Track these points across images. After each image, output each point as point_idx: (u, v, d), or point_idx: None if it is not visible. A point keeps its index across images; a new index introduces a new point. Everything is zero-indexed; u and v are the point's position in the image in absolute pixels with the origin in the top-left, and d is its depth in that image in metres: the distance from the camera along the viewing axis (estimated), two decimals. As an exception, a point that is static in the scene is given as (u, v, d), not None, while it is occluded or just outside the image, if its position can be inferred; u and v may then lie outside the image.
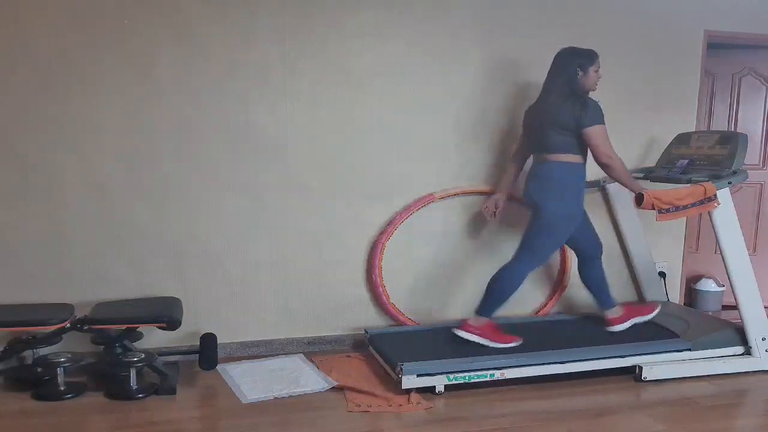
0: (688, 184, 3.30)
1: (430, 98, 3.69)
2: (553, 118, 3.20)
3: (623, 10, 3.94)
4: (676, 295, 4.30)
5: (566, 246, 3.91)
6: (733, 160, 3.33)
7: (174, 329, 3.06)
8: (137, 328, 3.24)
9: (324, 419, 2.78)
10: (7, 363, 3.16)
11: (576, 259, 3.86)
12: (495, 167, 3.85)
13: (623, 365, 3.25)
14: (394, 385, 3.06)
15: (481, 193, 3.83)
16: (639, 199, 3.16)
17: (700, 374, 3.31)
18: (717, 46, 4.27)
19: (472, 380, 3.06)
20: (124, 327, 3.12)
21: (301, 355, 3.58)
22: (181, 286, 3.47)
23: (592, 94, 3.27)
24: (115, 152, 3.31)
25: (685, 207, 3.18)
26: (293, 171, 3.55)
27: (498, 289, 3.30)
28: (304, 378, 3.21)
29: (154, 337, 3.42)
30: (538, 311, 4.03)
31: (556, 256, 4.00)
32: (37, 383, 3.04)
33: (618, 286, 4.16)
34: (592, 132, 3.13)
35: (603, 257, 3.55)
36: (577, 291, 4.04)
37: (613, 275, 4.12)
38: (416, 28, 3.62)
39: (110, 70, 3.25)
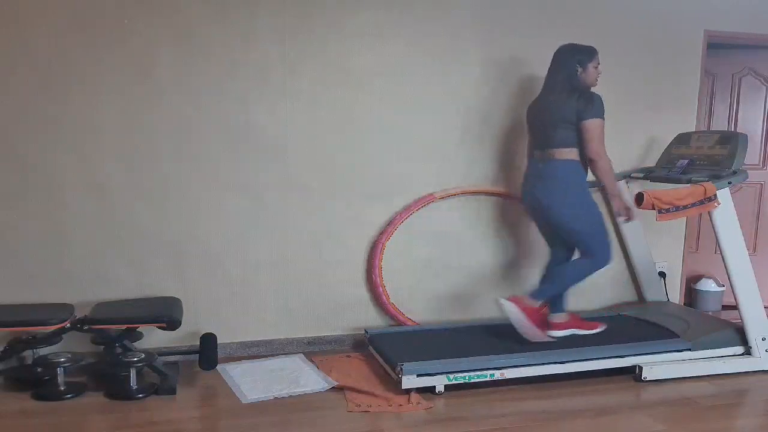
0: (688, 184, 3.30)
1: (430, 98, 3.69)
2: (557, 114, 3.20)
3: (623, 10, 3.94)
4: (676, 295, 4.30)
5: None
6: (733, 160, 3.33)
7: (174, 329, 3.06)
8: (137, 328, 3.24)
9: (324, 419, 2.78)
10: (7, 363, 3.16)
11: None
12: (495, 167, 3.85)
13: (623, 365, 3.25)
14: (394, 385, 3.06)
15: (481, 193, 3.83)
16: (639, 199, 3.16)
17: (700, 374, 3.31)
18: (717, 46, 4.27)
19: (472, 380, 3.06)
20: (124, 327, 3.12)
21: (301, 355, 3.58)
22: (181, 286, 3.47)
23: (598, 92, 3.27)
24: (115, 152, 3.31)
25: (685, 207, 3.18)
26: (293, 171, 3.55)
27: (559, 278, 3.35)
28: (304, 378, 3.21)
29: (154, 337, 3.42)
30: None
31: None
32: (37, 383, 3.04)
33: (618, 286, 4.16)
34: (591, 125, 3.13)
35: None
36: (577, 291, 4.03)
37: (614, 275, 4.13)
38: (416, 28, 3.62)
39: (110, 70, 3.25)
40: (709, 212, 3.28)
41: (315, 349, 3.68)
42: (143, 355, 3.08)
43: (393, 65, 3.61)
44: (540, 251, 3.93)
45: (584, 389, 3.14)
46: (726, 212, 3.29)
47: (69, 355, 3.07)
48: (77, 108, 3.24)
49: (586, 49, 3.26)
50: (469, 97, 3.75)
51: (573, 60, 3.23)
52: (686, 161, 3.59)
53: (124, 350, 3.15)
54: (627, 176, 3.93)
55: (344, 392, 3.06)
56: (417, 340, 3.42)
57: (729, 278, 3.36)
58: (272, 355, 3.59)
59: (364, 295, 3.75)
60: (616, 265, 4.11)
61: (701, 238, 4.69)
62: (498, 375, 3.08)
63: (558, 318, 3.49)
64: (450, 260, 3.85)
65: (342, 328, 3.74)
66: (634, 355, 3.26)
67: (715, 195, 3.22)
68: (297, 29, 3.46)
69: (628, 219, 3.30)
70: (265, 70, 3.44)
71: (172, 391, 3.02)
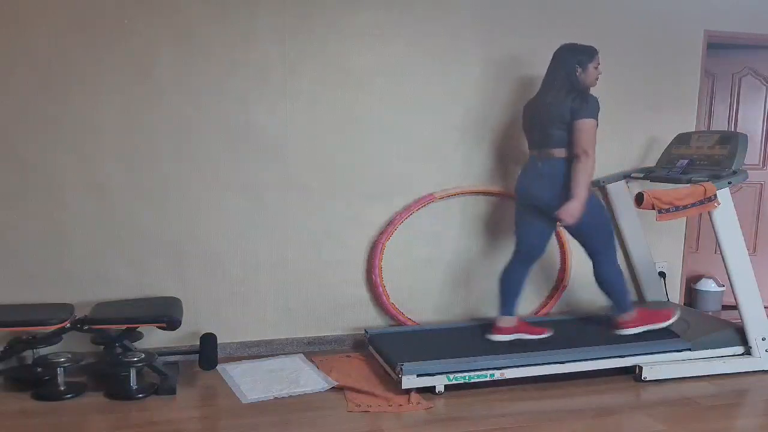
0: (688, 184, 3.30)
1: (430, 98, 3.69)
2: (554, 114, 3.19)
3: (623, 10, 3.94)
4: (676, 295, 4.30)
5: (567, 246, 3.92)
6: (733, 160, 3.33)
7: (174, 329, 3.06)
8: (137, 328, 3.24)
9: (324, 419, 2.78)
10: (7, 363, 3.16)
11: (576, 259, 3.87)
12: (495, 167, 3.85)
13: (623, 365, 3.25)
14: (394, 385, 3.06)
15: (481, 193, 3.83)
16: (639, 199, 3.16)
17: (700, 374, 3.31)
18: (717, 46, 4.27)
19: (472, 380, 3.06)
20: (124, 327, 3.12)
21: (301, 355, 3.58)
22: (181, 286, 3.47)
23: (592, 91, 3.27)
24: (115, 152, 3.32)
25: (685, 207, 3.18)
26: (293, 171, 3.55)
27: (611, 289, 3.40)
28: (304, 378, 3.21)
29: (154, 337, 3.42)
30: (538, 311, 4.03)
31: (555, 256, 3.99)
32: (37, 383, 3.04)
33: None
34: (583, 124, 3.12)
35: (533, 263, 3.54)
36: (577, 291, 4.04)
37: (613, 275, 4.13)
38: (416, 28, 3.62)
39: (110, 70, 3.25)
40: (709, 212, 3.28)
41: (315, 349, 3.68)
42: (143, 355, 3.08)
43: (393, 65, 3.61)
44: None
45: (584, 389, 3.14)
46: (726, 212, 3.29)
47: (69, 355, 3.07)
48: (77, 108, 3.24)
49: (587, 49, 3.24)
50: (469, 97, 3.75)
51: (573, 60, 3.22)
52: (686, 161, 3.59)
53: (124, 350, 3.15)
54: (627, 176, 3.93)
55: (344, 392, 3.06)
56: (417, 340, 3.42)
57: (729, 278, 3.36)
58: (272, 355, 3.59)
59: (364, 295, 3.75)
60: (616, 265, 4.11)
61: (701, 238, 4.69)
62: (498, 375, 3.08)
63: (505, 321, 3.44)
64: (450, 260, 3.85)
65: (342, 328, 3.74)
66: (634, 355, 3.26)
67: (715, 195, 3.22)
68: (297, 29, 3.46)
69: (568, 221, 3.17)
70: (265, 70, 3.44)
71: (172, 391, 3.02)
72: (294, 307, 3.65)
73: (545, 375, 3.16)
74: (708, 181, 3.26)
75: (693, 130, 4.12)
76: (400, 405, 2.91)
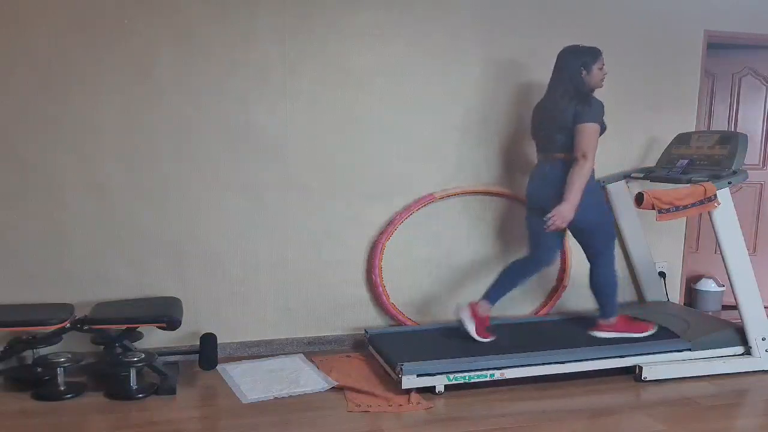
0: (688, 184, 3.30)
1: (430, 98, 3.69)
2: (558, 117, 3.19)
3: (623, 10, 3.94)
4: (676, 295, 4.30)
5: (566, 246, 3.92)
6: (733, 160, 3.33)
7: (174, 329, 3.06)
8: (137, 328, 3.24)
9: (324, 419, 2.78)
10: (7, 363, 3.16)
11: (576, 259, 3.87)
12: (495, 167, 3.85)
13: (623, 365, 3.25)
14: (394, 385, 3.06)
15: (481, 193, 3.83)
16: (639, 199, 3.16)
17: (700, 374, 3.31)
18: (717, 46, 4.27)
19: (472, 380, 3.06)
20: (124, 327, 3.12)
21: (301, 355, 3.58)
22: (181, 286, 3.47)
23: (597, 92, 3.27)
24: (115, 152, 3.31)
25: (685, 207, 3.18)
26: (293, 171, 3.55)
27: (602, 292, 3.41)
28: (304, 378, 3.21)
29: (154, 337, 3.42)
30: (538, 311, 4.03)
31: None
32: (37, 383, 3.04)
33: (618, 286, 4.15)
34: (584, 128, 3.11)
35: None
36: (577, 291, 4.04)
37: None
38: (416, 28, 3.62)
39: (110, 70, 3.25)
40: (709, 212, 3.28)
41: (315, 349, 3.68)
42: (143, 355, 3.08)
43: (393, 65, 3.61)
44: (540, 251, 3.93)
45: (584, 389, 3.14)
46: (726, 212, 3.29)
47: (69, 355, 3.07)
48: (77, 108, 3.24)
49: (590, 50, 3.23)
50: (469, 97, 3.75)
51: (577, 63, 3.20)
52: (686, 161, 3.59)
53: (124, 350, 3.15)
54: (627, 176, 3.93)
55: (344, 392, 3.06)
56: (417, 340, 3.42)
57: (729, 278, 3.36)
58: (272, 355, 3.59)
59: (364, 295, 3.75)
60: (615, 265, 4.10)
61: (701, 238, 4.69)
62: (498, 375, 3.08)
63: (482, 307, 3.43)
64: (450, 260, 3.85)
65: (342, 328, 3.74)
66: (634, 355, 3.26)
67: (715, 195, 3.22)
68: (297, 29, 3.46)
69: (551, 228, 3.17)
70: (265, 70, 3.44)
71: (172, 391, 3.02)
72: (294, 307, 3.65)
73: (545, 375, 3.16)
74: (708, 181, 3.26)
75: (693, 130, 4.12)
76: (400, 405, 2.91)
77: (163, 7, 3.27)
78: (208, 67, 3.36)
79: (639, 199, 3.16)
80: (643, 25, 3.98)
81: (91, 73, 3.23)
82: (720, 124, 4.63)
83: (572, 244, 3.90)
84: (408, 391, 3.01)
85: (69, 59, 3.20)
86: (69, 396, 2.96)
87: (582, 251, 3.44)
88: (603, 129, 3.21)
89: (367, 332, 3.58)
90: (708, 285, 4.57)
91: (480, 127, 3.79)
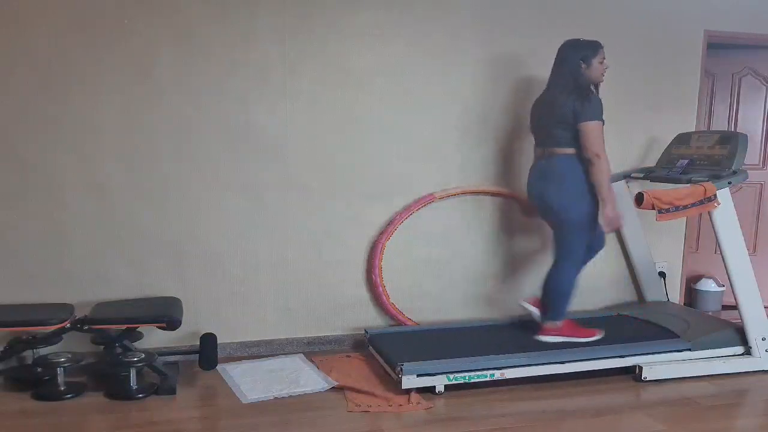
0: (688, 184, 3.30)
1: (430, 98, 3.69)
2: (556, 112, 3.19)
3: (623, 10, 3.94)
4: (676, 295, 4.30)
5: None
6: (733, 160, 3.33)
7: (174, 329, 3.06)
8: (137, 328, 3.24)
9: (324, 419, 2.78)
10: (7, 363, 3.16)
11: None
12: (495, 167, 3.85)
13: (623, 365, 3.25)
14: (394, 385, 3.06)
15: (481, 193, 3.83)
16: (639, 199, 3.16)
17: (700, 374, 3.31)
18: (717, 46, 4.27)
19: (472, 380, 3.06)
20: (124, 327, 3.12)
21: (301, 355, 3.58)
22: (181, 286, 3.47)
23: (601, 87, 3.27)
24: (115, 152, 3.31)
25: (685, 207, 3.18)
26: (293, 171, 3.55)
27: (555, 293, 3.33)
28: (304, 378, 3.21)
29: (154, 337, 3.42)
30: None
31: (556, 256, 3.99)
32: (37, 383, 3.04)
33: (618, 286, 4.16)
34: (588, 126, 3.11)
35: (603, 256, 3.54)
36: (578, 290, 4.03)
37: (613, 275, 4.13)
38: (416, 28, 3.62)
39: (110, 70, 3.25)
40: (709, 212, 3.28)
41: (315, 349, 3.68)
42: (143, 355, 3.08)
43: (393, 65, 3.61)
44: (540, 251, 3.93)
45: (584, 389, 3.14)
46: (726, 212, 3.29)
47: (69, 355, 3.07)
48: (77, 108, 3.24)
49: (590, 44, 3.22)
50: (469, 97, 3.75)
51: (576, 56, 3.20)
52: (686, 161, 3.59)
53: (124, 350, 3.15)
54: (627, 176, 3.93)
55: (344, 392, 3.06)
56: (417, 340, 3.42)
57: (729, 278, 3.36)
58: (272, 355, 3.59)
59: (364, 295, 3.75)
60: (616, 265, 4.11)
61: (701, 238, 4.69)
62: (498, 375, 3.08)
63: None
64: (450, 260, 3.85)
65: (342, 328, 3.74)
66: (634, 355, 3.26)
67: (715, 195, 3.22)
68: (297, 29, 3.46)
69: (614, 229, 3.22)
70: (265, 70, 3.44)
71: (172, 391, 3.02)
72: (294, 307, 3.65)
73: (545, 375, 3.16)
74: (708, 181, 3.26)
75: (693, 130, 4.12)
76: (400, 405, 2.91)
77: (163, 7, 3.27)
78: (208, 67, 3.36)
79: (639, 199, 3.16)
80: (643, 25, 3.98)
81: (91, 73, 3.23)
82: (720, 124, 4.63)
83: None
84: (408, 391, 3.01)
85: (69, 59, 3.20)
86: (69, 396, 2.96)
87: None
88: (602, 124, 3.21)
89: (367, 332, 3.58)
90: (708, 285, 4.57)
91: (480, 126, 3.79)
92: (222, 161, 3.44)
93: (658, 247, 4.19)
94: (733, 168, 3.31)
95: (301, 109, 3.52)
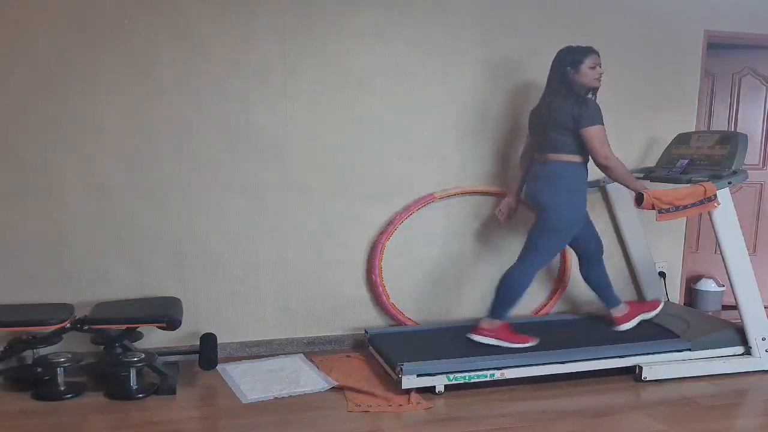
0: (688, 184, 3.30)
1: (430, 98, 3.69)
2: (552, 118, 3.20)
3: (623, 10, 3.94)
4: (676, 295, 4.30)
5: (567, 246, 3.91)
6: (733, 160, 3.33)
7: (174, 329, 3.07)
8: (137, 328, 3.24)
9: (324, 419, 2.78)
10: (7, 363, 3.16)
11: (576, 259, 3.86)
12: (495, 167, 3.85)
13: (623, 365, 3.25)
14: (394, 385, 3.06)
15: (481, 193, 3.83)
16: (639, 199, 3.16)
17: (700, 374, 3.31)
18: (717, 46, 4.27)
19: (472, 380, 3.06)
20: (124, 327, 3.12)
21: (301, 355, 3.58)
22: (181, 286, 3.47)
23: (599, 92, 3.27)
24: (115, 152, 3.31)
25: (685, 207, 3.18)
26: (293, 171, 3.55)
27: (507, 291, 3.28)
28: (304, 378, 3.21)
29: (154, 337, 3.42)
30: (539, 311, 4.03)
31: (556, 256, 3.99)
32: (37, 383, 3.04)
33: (618, 286, 4.15)
34: (590, 132, 3.12)
35: (603, 257, 3.55)
36: (578, 290, 4.04)
37: (613, 275, 4.11)
38: (416, 28, 3.62)
39: (110, 70, 3.25)
40: (709, 212, 3.28)
41: (315, 349, 3.68)
42: (143, 355, 3.08)
43: (393, 65, 3.61)
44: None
45: (584, 389, 3.14)
46: (726, 212, 3.29)
47: (69, 355, 3.07)
48: (77, 108, 3.24)
49: (580, 49, 3.23)
50: (469, 97, 3.75)
51: (565, 62, 3.22)
52: (686, 161, 3.59)
53: (124, 350, 3.15)
54: (627, 176, 3.93)
55: (344, 392, 3.06)
56: (417, 340, 3.42)
57: (729, 278, 3.36)
58: (272, 355, 3.59)
59: (364, 295, 3.75)
60: (616, 265, 4.11)
61: (701, 238, 4.69)
62: (498, 375, 3.08)
63: (619, 311, 3.57)
64: (450, 260, 3.85)
65: (342, 328, 3.74)
66: (634, 355, 3.26)
67: (715, 195, 3.22)
68: (297, 29, 3.46)
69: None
70: (265, 70, 3.44)
71: (172, 391, 3.02)
72: (294, 307, 3.65)
73: (545, 375, 3.16)
74: (708, 181, 3.26)
75: (693, 130, 4.12)
76: (400, 405, 2.91)
77: (163, 7, 3.27)
78: (208, 67, 3.36)
79: (639, 199, 3.16)
80: (643, 25, 3.98)
81: (91, 73, 3.23)
82: (720, 124, 4.63)
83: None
84: (408, 391, 3.01)
85: (69, 59, 3.20)
86: (69, 396, 2.96)
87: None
88: None
89: (367, 332, 3.58)
90: (708, 285, 4.57)
91: (480, 126, 3.79)
92: (222, 161, 3.44)
93: (658, 247, 4.19)
94: (733, 168, 3.31)
95: (301, 109, 3.52)
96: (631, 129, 4.06)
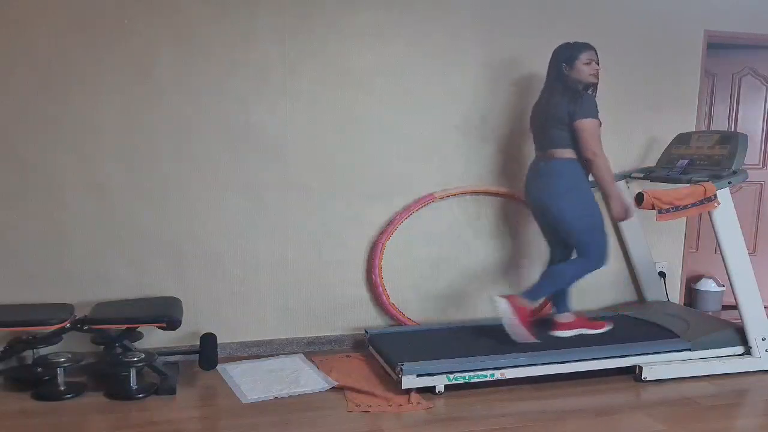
0: (688, 184, 3.30)
1: (430, 98, 3.69)
2: (550, 114, 3.22)
3: (623, 10, 3.94)
4: (676, 295, 4.30)
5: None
6: (733, 160, 3.33)
7: (174, 329, 3.06)
8: (137, 328, 3.24)
9: (324, 419, 2.78)
10: (7, 363, 3.16)
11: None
12: (495, 167, 3.85)
13: (623, 365, 3.25)
14: (394, 385, 3.06)
15: (481, 193, 3.83)
16: (639, 199, 3.16)
17: (700, 374, 3.31)
18: (717, 46, 4.27)
19: (472, 380, 3.06)
20: (124, 327, 3.12)
21: (301, 355, 3.58)
22: (181, 286, 3.47)
23: (599, 89, 3.27)
24: (115, 152, 3.31)
25: (685, 207, 3.18)
26: (293, 171, 3.55)
27: (550, 276, 3.33)
28: (304, 378, 3.21)
29: (154, 337, 3.42)
30: (538, 311, 4.02)
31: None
32: (37, 383, 3.04)
33: (618, 286, 4.16)
34: (583, 125, 3.12)
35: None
36: (578, 291, 4.03)
37: (613, 275, 4.13)
38: (416, 28, 3.62)
39: (110, 70, 3.25)
40: (709, 212, 3.28)
41: (315, 349, 3.68)
42: (143, 355, 3.08)
43: (393, 65, 3.61)
44: (540, 251, 3.93)
45: (584, 389, 3.14)
46: (726, 212, 3.29)
47: (69, 355, 3.07)
48: (77, 108, 3.24)
49: (575, 45, 3.25)
50: (469, 97, 3.75)
51: (560, 59, 3.25)
52: (686, 161, 3.59)
53: (124, 350, 3.15)
54: (627, 176, 3.94)
55: (344, 392, 3.06)
56: (417, 340, 3.42)
57: (729, 278, 3.36)
58: (272, 355, 3.59)
59: (364, 295, 3.75)
60: (616, 265, 4.11)
61: (701, 238, 4.69)
62: (498, 375, 3.08)
63: (564, 318, 3.50)
64: (450, 260, 3.85)
65: (342, 328, 3.74)
66: (634, 355, 3.26)
67: (715, 195, 3.22)
68: (297, 29, 3.46)
69: (624, 219, 3.27)
70: (265, 70, 3.44)
71: (172, 391, 3.02)
72: (294, 307, 3.65)
73: (545, 375, 3.16)
74: (708, 181, 3.26)
75: (693, 130, 4.12)
76: (400, 405, 2.91)
77: (163, 7, 3.27)
78: (208, 67, 3.36)
79: (639, 199, 3.16)
80: (643, 25, 3.98)
81: (91, 73, 3.23)
82: (720, 124, 4.63)
83: (572, 244, 3.90)
84: (408, 391, 3.01)
85: (69, 59, 3.20)
86: (69, 396, 2.96)
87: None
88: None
89: (367, 332, 3.58)
90: (708, 285, 4.57)
91: (480, 126, 3.79)
92: (222, 161, 3.44)
93: (658, 247, 4.19)
94: (733, 168, 3.31)
95: (301, 109, 3.52)
96: (631, 129, 4.06)
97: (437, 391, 3.04)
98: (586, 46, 3.23)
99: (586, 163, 3.20)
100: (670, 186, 3.36)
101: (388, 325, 3.78)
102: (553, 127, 3.21)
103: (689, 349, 3.34)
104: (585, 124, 3.12)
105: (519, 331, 3.25)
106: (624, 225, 3.99)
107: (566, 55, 3.23)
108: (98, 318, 3.03)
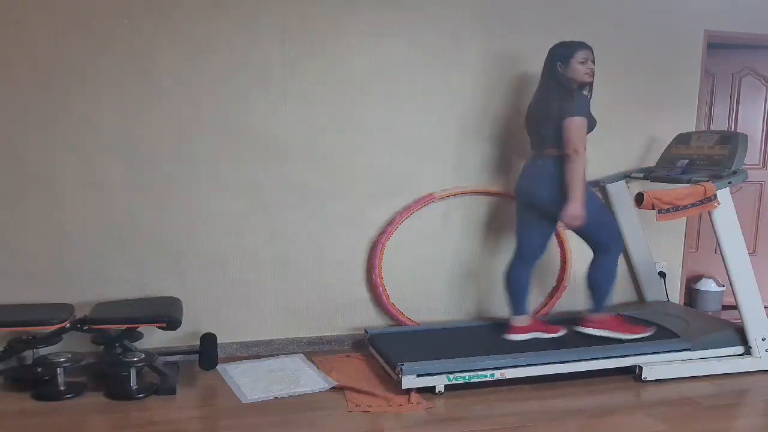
0: (688, 184, 3.30)
1: (430, 98, 3.69)
2: (546, 113, 3.21)
3: (623, 10, 3.94)
4: (676, 295, 4.30)
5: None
6: (733, 160, 3.33)
7: (174, 329, 3.06)
8: (137, 328, 3.24)
9: (324, 419, 2.78)
10: (7, 363, 3.16)
11: (576, 259, 3.88)
12: (495, 167, 3.85)
13: (623, 365, 3.25)
14: (394, 385, 3.06)
15: (481, 193, 3.83)
16: (639, 199, 3.16)
17: (700, 374, 3.31)
18: (717, 46, 4.27)
19: (472, 380, 3.06)
20: (124, 327, 3.12)
21: (301, 355, 3.58)
22: (181, 286, 3.47)
23: (596, 89, 3.27)
24: (115, 152, 3.31)
25: (685, 207, 3.18)
26: (293, 171, 3.55)
27: (598, 287, 3.36)
28: (304, 378, 3.21)
29: (154, 337, 3.42)
30: (539, 311, 4.03)
31: (555, 256, 3.99)
32: (37, 383, 3.04)
33: (618, 286, 4.15)
34: (570, 122, 3.11)
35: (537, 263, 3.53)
36: (578, 291, 4.03)
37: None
38: (416, 28, 3.62)
39: (110, 70, 3.25)
40: (709, 212, 3.28)
41: (315, 349, 3.68)
42: (143, 355, 3.08)
43: (393, 65, 3.61)
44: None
45: (584, 389, 3.14)
46: (726, 212, 3.29)
47: (69, 355, 3.07)
48: (77, 108, 3.24)
49: (570, 44, 3.24)
50: (469, 97, 3.75)
51: (554, 57, 3.25)
52: (686, 161, 3.59)
53: (124, 350, 3.15)
54: (627, 176, 3.94)
55: (344, 392, 3.06)
56: (417, 340, 3.42)
57: (729, 278, 3.36)
58: (272, 355, 3.59)
59: (364, 295, 3.75)
60: (616, 265, 4.11)
61: (701, 238, 4.69)
62: (498, 375, 3.08)
63: (519, 321, 3.46)
64: (450, 260, 3.85)
65: (342, 328, 3.74)
66: (634, 355, 3.26)
67: (715, 195, 3.22)
68: (297, 29, 3.46)
69: (571, 226, 3.21)
70: (265, 70, 3.44)
71: (172, 391, 3.02)
72: (294, 307, 3.65)
73: (545, 375, 3.16)
74: (708, 181, 3.26)
75: (693, 130, 4.12)
76: (400, 405, 2.91)
77: (162, 7, 3.27)
78: (208, 67, 3.36)
79: (639, 199, 3.16)
80: (643, 25, 3.98)
81: (91, 73, 3.23)
82: (720, 124, 4.63)
83: (573, 245, 3.90)
84: (408, 391, 3.01)
85: (69, 59, 3.20)
86: (69, 396, 2.96)
87: (583, 251, 3.44)
88: (593, 124, 3.23)
89: (367, 332, 3.58)
90: (708, 285, 4.57)
91: (480, 126, 3.79)
92: (222, 161, 3.44)
93: (658, 247, 4.19)
94: (733, 168, 3.31)
95: (301, 109, 3.52)
96: (631, 129, 4.06)
97: (437, 391, 3.04)
98: (582, 45, 3.23)
99: (564, 159, 3.16)
100: (670, 186, 3.36)
101: (388, 325, 3.78)
102: (548, 125, 3.20)
103: (689, 349, 3.34)
104: (573, 121, 3.11)
105: (629, 336, 3.37)
106: (624, 225, 3.99)
107: (562, 53, 3.22)
108: (98, 318, 3.03)
